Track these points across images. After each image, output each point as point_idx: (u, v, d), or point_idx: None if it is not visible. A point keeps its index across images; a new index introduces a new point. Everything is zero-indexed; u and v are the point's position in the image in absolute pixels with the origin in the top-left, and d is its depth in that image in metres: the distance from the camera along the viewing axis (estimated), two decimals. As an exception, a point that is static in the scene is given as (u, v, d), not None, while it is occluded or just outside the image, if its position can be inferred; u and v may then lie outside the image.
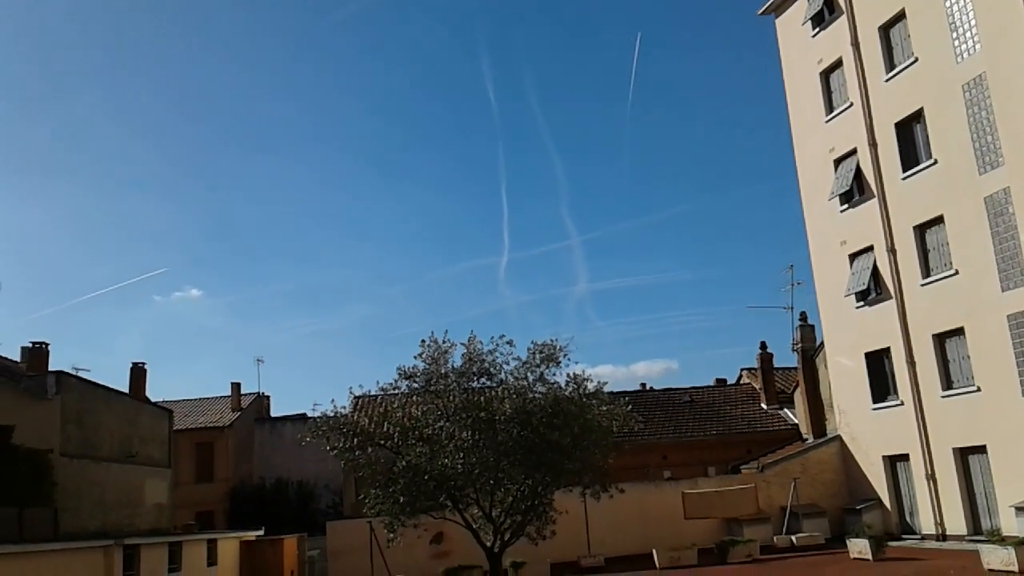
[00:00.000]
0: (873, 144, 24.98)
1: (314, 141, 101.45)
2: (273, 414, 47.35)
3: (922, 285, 23.23)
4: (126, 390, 32.74)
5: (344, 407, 18.91)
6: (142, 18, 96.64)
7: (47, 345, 27.30)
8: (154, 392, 38.32)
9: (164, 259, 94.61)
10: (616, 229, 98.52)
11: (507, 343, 18.13)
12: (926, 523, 23.40)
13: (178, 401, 43.09)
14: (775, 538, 25.30)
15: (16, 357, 28.29)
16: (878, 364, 25.26)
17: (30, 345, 27.42)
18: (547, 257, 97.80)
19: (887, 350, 24.71)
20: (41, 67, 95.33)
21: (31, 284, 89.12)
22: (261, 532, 30.18)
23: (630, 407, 19.07)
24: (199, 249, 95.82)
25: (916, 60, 23.34)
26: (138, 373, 35.16)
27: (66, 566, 18.16)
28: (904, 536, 24.08)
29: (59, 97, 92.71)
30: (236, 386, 45.19)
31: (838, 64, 26.60)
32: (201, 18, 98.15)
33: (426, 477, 16.90)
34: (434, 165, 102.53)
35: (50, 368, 26.20)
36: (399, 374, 18.02)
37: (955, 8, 21.93)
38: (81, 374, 28.56)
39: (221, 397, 45.62)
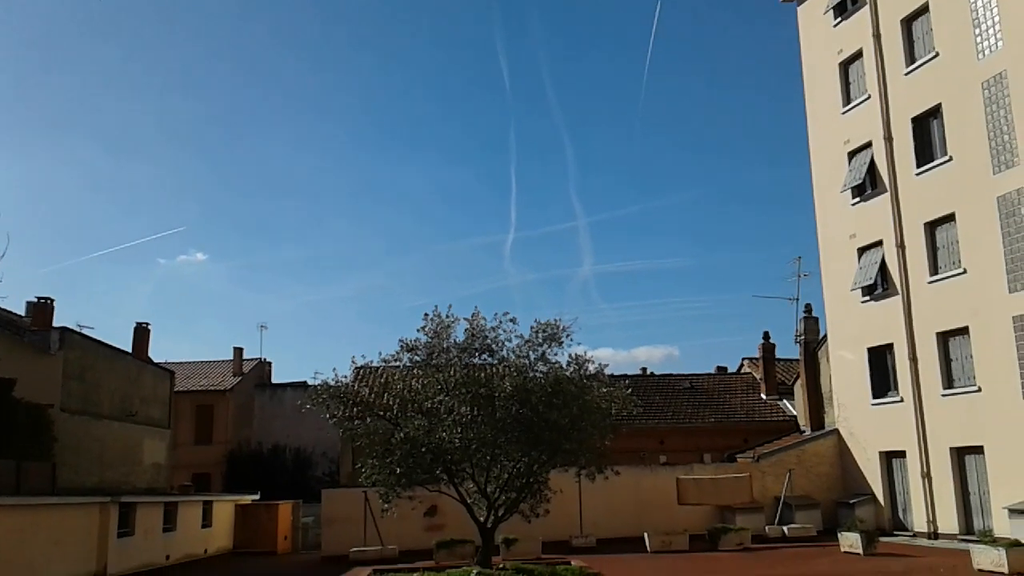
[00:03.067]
0: (889, 138, 24.77)
1: (327, 109, 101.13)
2: (274, 380, 47.59)
3: (929, 282, 23.12)
4: (129, 350, 32.84)
5: (345, 376, 18.90)
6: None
7: (52, 301, 27.32)
8: (156, 353, 38.45)
9: (173, 222, 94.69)
10: (623, 212, 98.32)
11: (510, 320, 18.02)
12: (919, 521, 23.46)
13: (180, 363, 43.29)
14: (767, 528, 25.37)
15: (21, 311, 28.37)
16: (880, 360, 25.21)
17: (35, 300, 27.46)
18: (553, 237, 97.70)
19: (890, 346, 24.65)
20: (68, 18, 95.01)
21: (41, 239, 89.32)
22: (257, 496, 30.40)
23: (630, 390, 19.03)
24: (204, 214, 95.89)
25: (937, 55, 23.09)
26: (141, 333, 35.28)
27: (62, 520, 18.30)
28: (896, 532, 24.13)
29: (85, 53, 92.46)
30: (238, 351, 45.42)
31: (858, 55, 26.33)
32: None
33: (423, 450, 16.93)
34: (446, 140, 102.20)
35: (54, 324, 26.26)
36: (401, 346, 17.95)
37: (979, 4, 21.67)
38: (85, 332, 28.71)
39: (223, 361, 45.84)
